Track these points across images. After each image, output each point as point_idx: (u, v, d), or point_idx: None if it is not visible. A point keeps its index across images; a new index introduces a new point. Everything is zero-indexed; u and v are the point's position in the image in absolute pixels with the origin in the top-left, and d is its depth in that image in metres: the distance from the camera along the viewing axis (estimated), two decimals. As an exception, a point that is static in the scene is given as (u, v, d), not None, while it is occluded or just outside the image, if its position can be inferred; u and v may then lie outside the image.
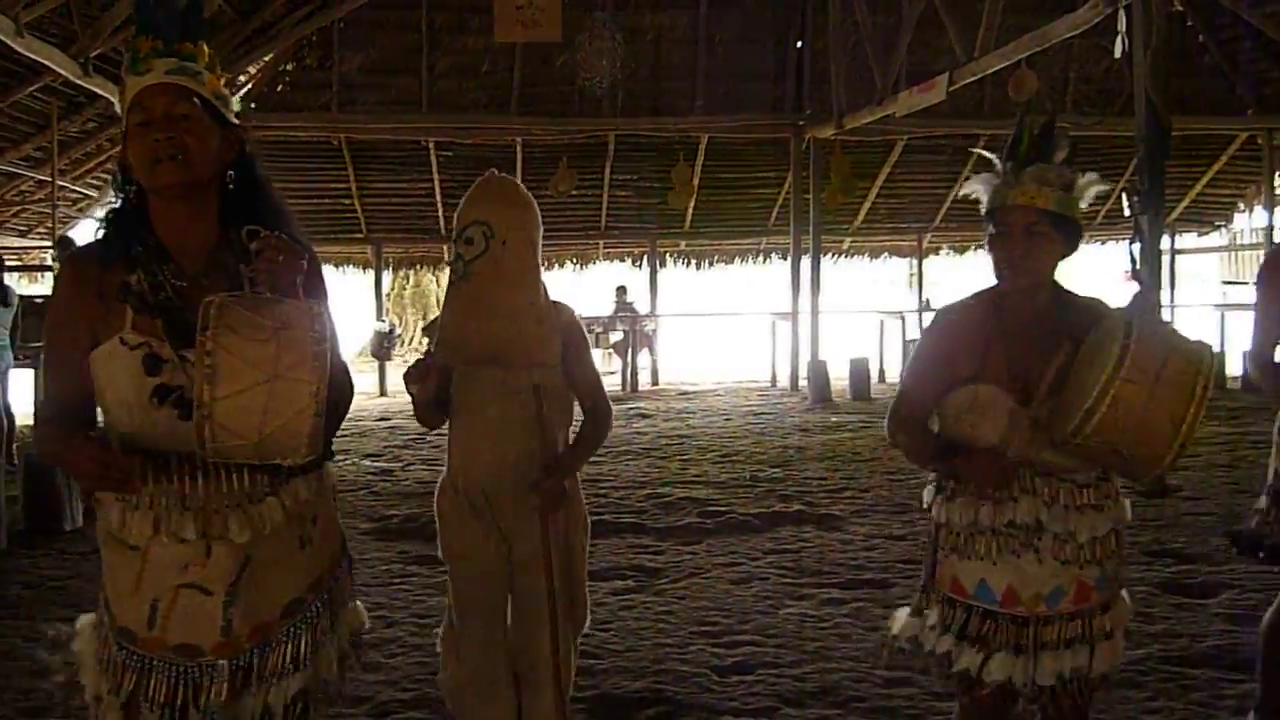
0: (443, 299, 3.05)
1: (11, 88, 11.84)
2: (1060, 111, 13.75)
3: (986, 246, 2.59)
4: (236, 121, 2.21)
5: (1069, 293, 2.64)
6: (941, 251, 18.62)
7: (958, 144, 15.36)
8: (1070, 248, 2.60)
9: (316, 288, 2.15)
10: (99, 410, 2.18)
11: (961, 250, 18.60)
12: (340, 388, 2.13)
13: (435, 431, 3.16)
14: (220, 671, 2.10)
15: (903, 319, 16.17)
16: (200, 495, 2.07)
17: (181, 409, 2.02)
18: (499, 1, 12.32)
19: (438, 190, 15.53)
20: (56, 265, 9.89)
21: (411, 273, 20.17)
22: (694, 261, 18.17)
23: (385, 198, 15.92)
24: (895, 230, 17.65)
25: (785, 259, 16.00)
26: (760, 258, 18.10)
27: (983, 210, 2.60)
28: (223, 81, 2.20)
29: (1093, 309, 2.59)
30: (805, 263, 14.67)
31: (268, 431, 1.90)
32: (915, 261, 18.30)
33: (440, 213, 15.83)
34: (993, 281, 2.64)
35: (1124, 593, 2.71)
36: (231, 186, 2.20)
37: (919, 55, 12.80)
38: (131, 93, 2.10)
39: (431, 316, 3.20)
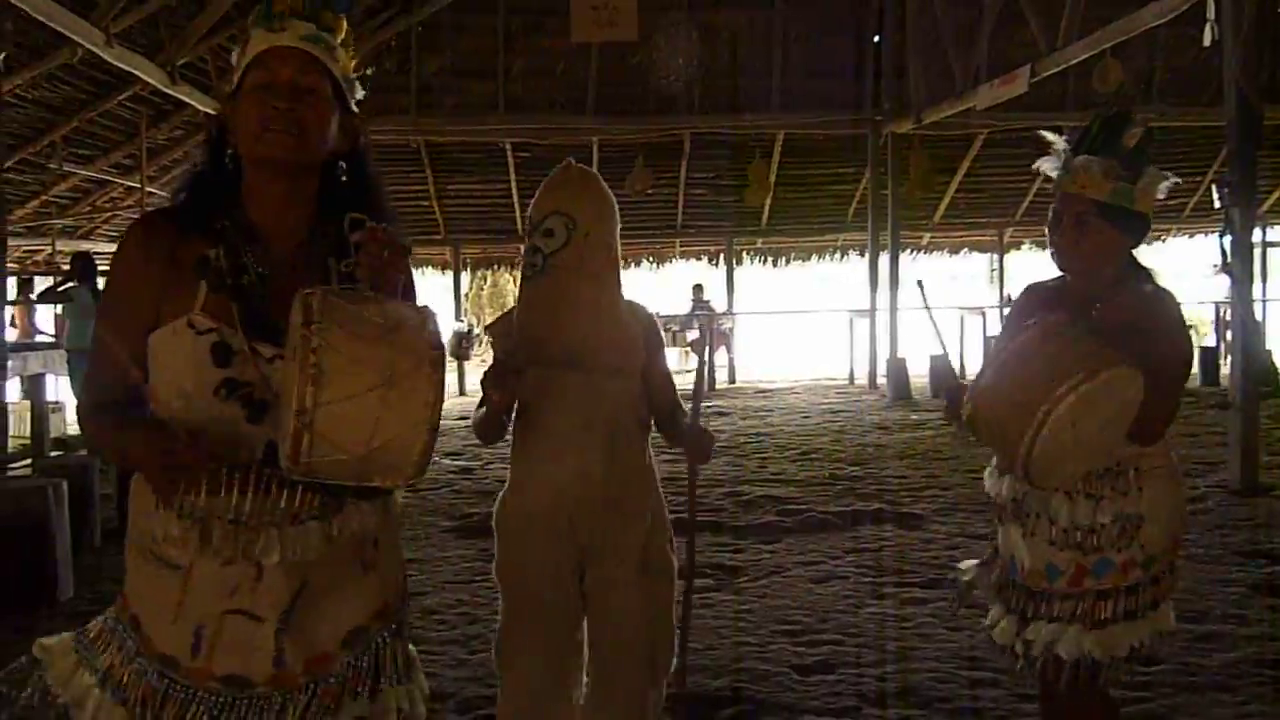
0: (517, 295, 2.78)
1: (101, 97, 12.17)
2: (1147, 102, 13.49)
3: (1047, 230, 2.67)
4: (356, 110, 2.01)
5: (1135, 288, 2.60)
6: (1024, 246, 18.33)
7: (1040, 137, 15.09)
8: (1132, 240, 2.60)
9: (411, 295, 1.92)
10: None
11: (1044, 245, 18.23)
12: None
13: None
14: (272, 705, 1.86)
15: (983, 315, 15.93)
16: (247, 511, 1.82)
17: (250, 409, 1.80)
18: (575, 2, 12.36)
19: (515, 191, 15.66)
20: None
21: (489, 273, 20.37)
22: (771, 259, 18.10)
23: (463, 199, 16.09)
24: (975, 225, 17.42)
25: (863, 255, 15.87)
26: (837, 254, 17.98)
27: None
28: (354, 64, 2.00)
29: (1137, 296, 2.58)
30: (883, 259, 14.53)
31: (375, 446, 1.63)
32: (996, 257, 18.04)
33: (517, 213, 15.97)
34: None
35: (1164, 605, 2.65)
36: (343, 179, 1.98)
37: (999, 47, 12.59)
38: (257, 48, 1.87)
39: (497, 314, 2.92)
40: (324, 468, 1.65)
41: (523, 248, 2.74)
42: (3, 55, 6.33)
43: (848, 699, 3.84)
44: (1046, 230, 2.64)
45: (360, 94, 2.01)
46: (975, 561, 2.91)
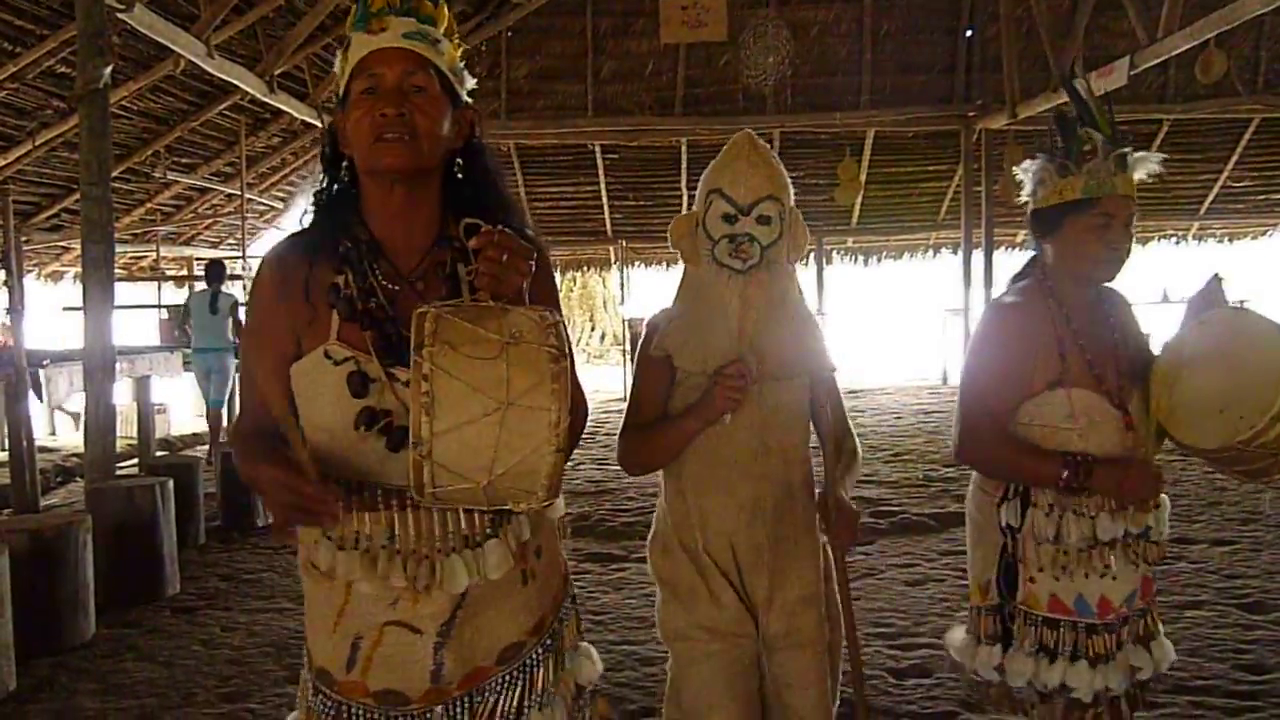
0: (725, 294, 2.35)
1: (203, 107, 12.50)
2: (1252, 94, 13.08)
3: (1067, 238, 2.41)
4: (470, 101, 1.90)
5: (1110, 289, 2.55)
6: (1122, 242, 17.89)
7: (1139, 131, 14.74)
8: None
9: (547, 292, 1.83)
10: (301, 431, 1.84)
11: (1144, 242, 17.85)
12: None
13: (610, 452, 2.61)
14: None
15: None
16: (412, 537, 1.74)
17: (389, 438, 1.72)
18: (664, 3, 12.38)
19: (604, 193, 15.73)
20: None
21: (579, 275, 20.49)
22: (862, 258, 17.93)
23: (553, 201, 16.20)
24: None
25: (956, 253, 15.63)
26: (930, 253, 17.75)
27: (1051, 200, 2.44)
28: (460, 53, 1.89)
29: (1113, 293, 2.53)
30: (977, 257, 14.29)
31: (499, 472, 1.53)
32: (1094, 253, 17.62)
33: (606, 215, 16.05)
34: (1013, 273, 2.57)
35: None
36: (459, 175, 1.89)
37: (1096, 38, 12.34)
38: (358, 54, 1.78)
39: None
40: (452, 496, 1.58)
41: (712, 234, 2.35)
42: (109, 68, 6.52)
43: (945, 704, 3.79)
44: (1081, 238, 2.39)
45: (472, 83, 1.91)
46: (965, 636, 2.60)
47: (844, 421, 2.51)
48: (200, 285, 11.10)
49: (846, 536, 2.34)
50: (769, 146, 2.40)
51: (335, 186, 1.88)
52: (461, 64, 1.89)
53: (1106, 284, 2.49)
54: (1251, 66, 13.69)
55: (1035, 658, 2.42)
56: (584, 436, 2.11)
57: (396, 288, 1.79)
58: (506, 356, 1.54)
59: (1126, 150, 2.39)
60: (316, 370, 1.75)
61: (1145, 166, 2.41)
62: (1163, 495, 2.44)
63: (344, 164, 1.86)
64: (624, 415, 2.44)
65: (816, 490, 2.42)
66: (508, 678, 1.85)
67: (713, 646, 2.35)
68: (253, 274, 1.86)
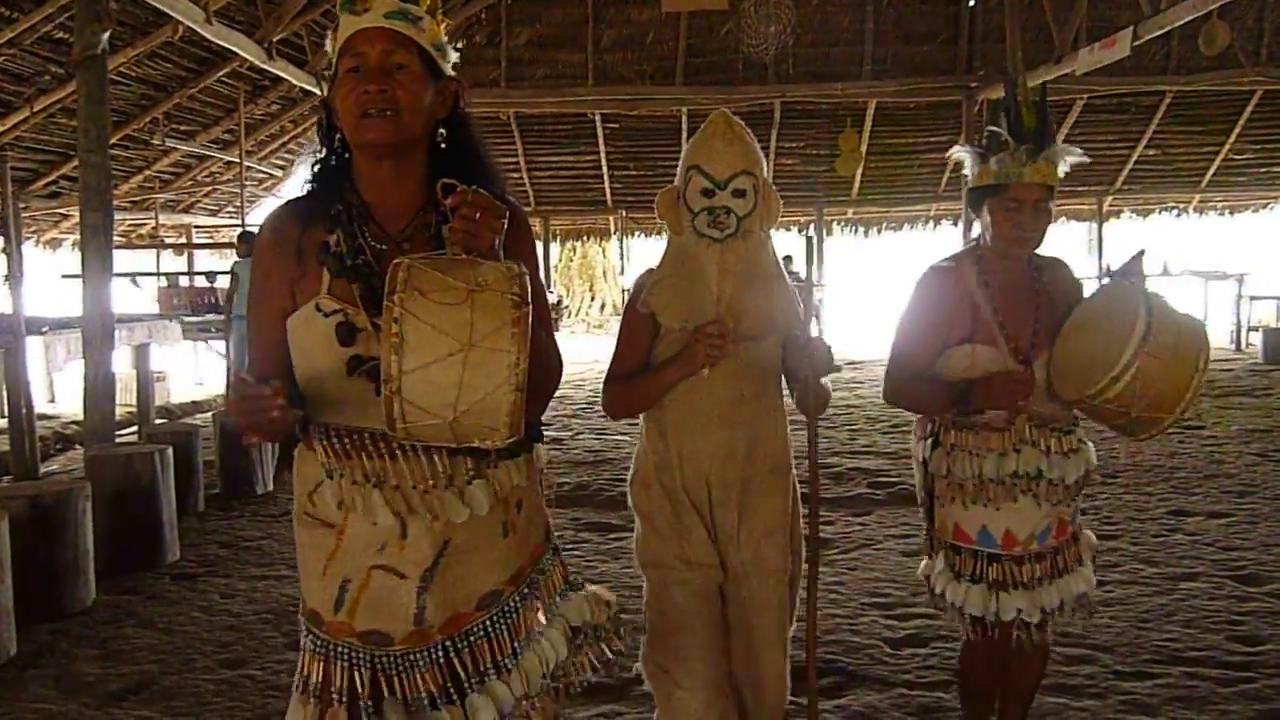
0: (705, 260, 2.55)
1: (201, 74, 12.45)
2: (1255, 65, 13.03)
3: (987, 217, 2.74)
4: (453, 74, 2.03)
5: (1055, 260, 2.89)
6: (1123, 215, 17.88)
7: (1141, 102, 14.71)
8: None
9: (524, 251, 1.96)
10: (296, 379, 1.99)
11: (1145, 214, 17.83)
12: (545, 363, 1.92)
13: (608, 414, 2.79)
14: (416, 662, 1.91)
15: (1082, 285, 15.58)
16: (396, 474, 1.89)
17: (376, 381, 1.78)
18: (664, -28, 12.31)
19: (604, 162, 15.70)
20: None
21: (578, 244, 20.49)
22: (862, 229, 17.90)
23: (553, 171, 16.17)
24: (1074, 193, 17.01)
25: (956, 225, 15.61)
26: (930, 224, 17.72)
27: (974, 182, 2.77)
28: (443, 28, 2.01)
29: (1058, 266, 2.87)
30: (977, 229, 14.26)
31: (462, 409, 1.67)
32: (1095, 226, 17.61)
33: (606, 184, 16.02)
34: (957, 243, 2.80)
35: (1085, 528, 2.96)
36: (443, 145, 2.00)
37: (1100, 9, 12.29)
38: (345, 34, 1.90)
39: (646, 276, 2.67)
40: (421, 432, 1.72)
41: (692, 207, 2.55)
42: (107, 34, 6.49)
43: (941, 673, 3.81)
44: (992, 218, 2.72)
45: (454, 57, 2.03)
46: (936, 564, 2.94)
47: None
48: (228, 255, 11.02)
49: (822, 362, 2.54)
50: (743, 124, 2.59)
51: (330, 157, 2.01)
52: (445, 39, 2.01)
53: (1043, 254, 2.83)
54: (1255, 38, 13.63)
55: (945, 574, 2.85)
56: (583, 407, 2.17)
57: (384, 247, 1.93)
58: (471, 303, 1.67)
59: (1036, 147, 2.67)
60: (309, 322, 1.90)
61: (1063, 157, 2.70)
62: (1086, 442, 2.82)
63: (337, 136, 1.99)
64: (609, 365, 2.70)
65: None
66: (488, 624, 1.99)
67: (684, 574, 2.60)
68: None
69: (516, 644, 2.02)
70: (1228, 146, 15.75)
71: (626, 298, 2.69)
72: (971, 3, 13.98)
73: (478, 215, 1.78)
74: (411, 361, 1.65)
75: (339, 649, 1.91)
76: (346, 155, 2.00)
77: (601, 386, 2.71)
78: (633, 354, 2.64)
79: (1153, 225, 17.78)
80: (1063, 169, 2.72)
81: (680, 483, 2.61)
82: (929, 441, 2.87)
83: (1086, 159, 2.80)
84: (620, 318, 2.74)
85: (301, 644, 1.98)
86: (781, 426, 2.68)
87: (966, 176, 2.82)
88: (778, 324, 2.59)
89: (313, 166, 2.03)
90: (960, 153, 2.84)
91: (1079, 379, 2.61)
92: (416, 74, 1.91)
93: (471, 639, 1.97)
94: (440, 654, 1.94)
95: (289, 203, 2.02)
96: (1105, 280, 2.77)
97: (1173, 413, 2.56)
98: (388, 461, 1.89)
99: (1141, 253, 2.75)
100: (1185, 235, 18.53)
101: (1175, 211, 17.61)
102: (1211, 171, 16.30)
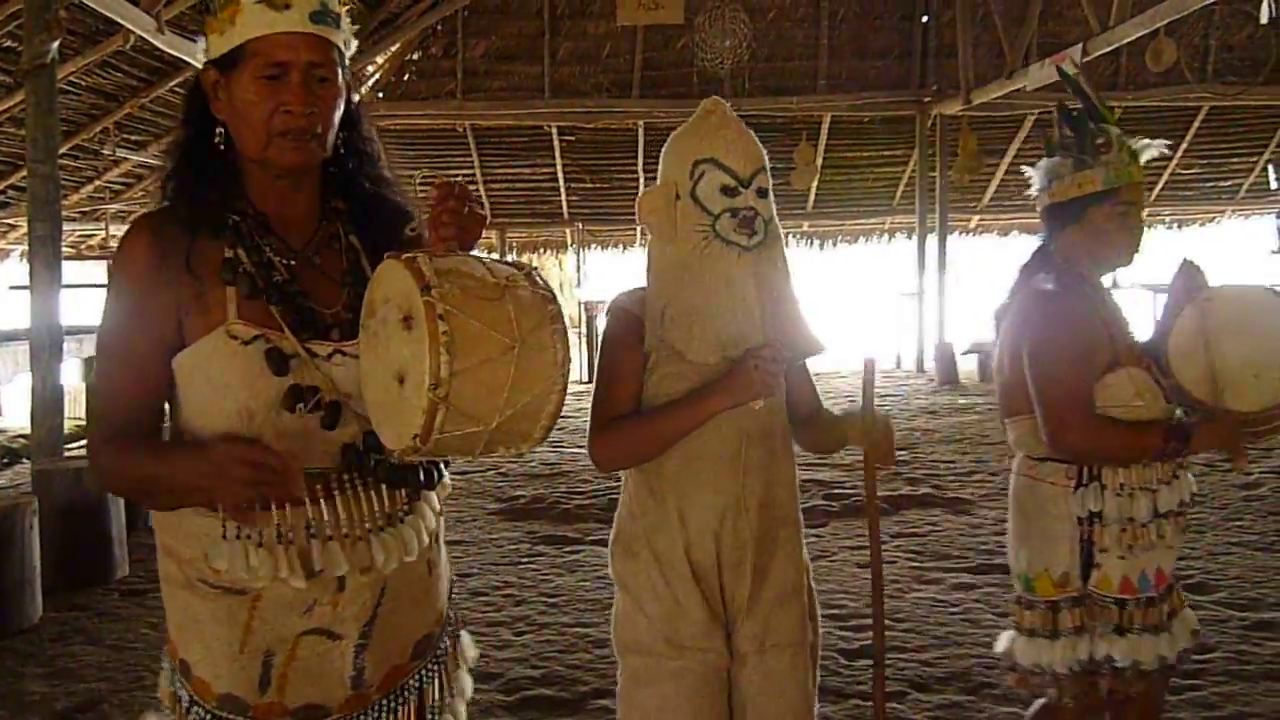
0: (736, 273, 2.13)
1: (153, 83, 12.31)
2: (1201, 81, 13.25)
3: (1086, 230, 2.49)
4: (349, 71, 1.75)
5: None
6: (1074, 228, 18.11)
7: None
8: None
9: None
10: (171, 429, 1.70)
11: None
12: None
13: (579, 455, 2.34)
14: None
15: (1033, 298, 15.75)
16: (342, 519, 1.63)
17: (326, 414, 1.61)
18: (620, -15, 12.34)
19: (560, 175, 15.67)
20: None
21: (535, 257, 20.40)
22: (817, 242, 18.00)
23: (509, 183, 16.12)
24: (1026, 207, 17.18)
25: (911, 238, 15.75)
26: (885, 237, 17.85)
27: (1071, 192, 2.51)
28: (345, 10, 1.72)
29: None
30: (931, 242, 14.41)
31: (509, 413, 1.49)
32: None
33: (563, 197, 16.00)
34: (1022, 264, 2.66)
35: None
36: (341, 149, 1.75)
37: (1050, 26, 12.46)
38: (259, 28, 1.59)
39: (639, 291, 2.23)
40: (452, 443, 1.49)
41: (710, 208, 2.13)
42: (57, 43, 6.41)
43: (895, 684, 3.84)
44: (1106, 227, 2.47)
45: (354, 46, 1.76)
46: (1014, 636, 2.72)
47: (818, 397, 2.45)
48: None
49: (883, 448, 2.25)
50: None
51: (206, 155, 1.70)
52: (353, 28, 1.75)
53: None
54: (1201, 55, 13.87)
55: (1113, 638, 2.50)
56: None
57: (292, 262, 1.68)
58: (510, 298, 1.51)
59: (1136, 140, 2.49)
60: (219, 352, 1.59)
61: (1151, 153, 2.52)
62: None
63: (219, 130, 1.69)
64: (596, 407, 2.20)
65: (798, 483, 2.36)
66: (425, 672, 1.80)
67: (675, 663, 2.15)
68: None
69: (451, 691, 1.85)
70: (1175, 161, 15.99)
71: (584, 314, 2.27)
72: (925, 19, 14.13)
73: (465, 209, 1.56)
74: (463, 362, 1.44)
75: None
76: (222, 150, 1.70)
77: (589, 437, 2.21)
78: (627, 395, 2.17)
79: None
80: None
81: (683, 548, 2.16)
82: (1095, 486, 2.49)
83: (1165, 149, 2.58)
84: (577, 333, 2.39)
85: None
86: (792, 471, 2.29)
87: (1043, 191, 2.58)
88: (808, 346, 2.24)
89: (184, 164, 1.70)
90: (1045, 164, 2.58)
91: (1259, 388, 2.43)
92: (337, 87, 1.66)
93: (407, 692, 1.76)
94: (378, 713, 1.72)
95: (166, 210, 1.67)
96: (1170, 292, 2.56)
97: None
98: (324, 508, 1.62)
99: (1190, 262, 2.58)
100: (1026, 256, 18.77)
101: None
102: (1160, 185, 16.53)
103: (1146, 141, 2.52)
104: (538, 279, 1.56)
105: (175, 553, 1.67)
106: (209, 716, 1.65)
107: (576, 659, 4.19)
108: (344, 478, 1.64)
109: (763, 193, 2.16)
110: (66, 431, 6.31)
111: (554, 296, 1.55)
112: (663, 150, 2.26)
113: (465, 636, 1.95)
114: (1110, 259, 2.52)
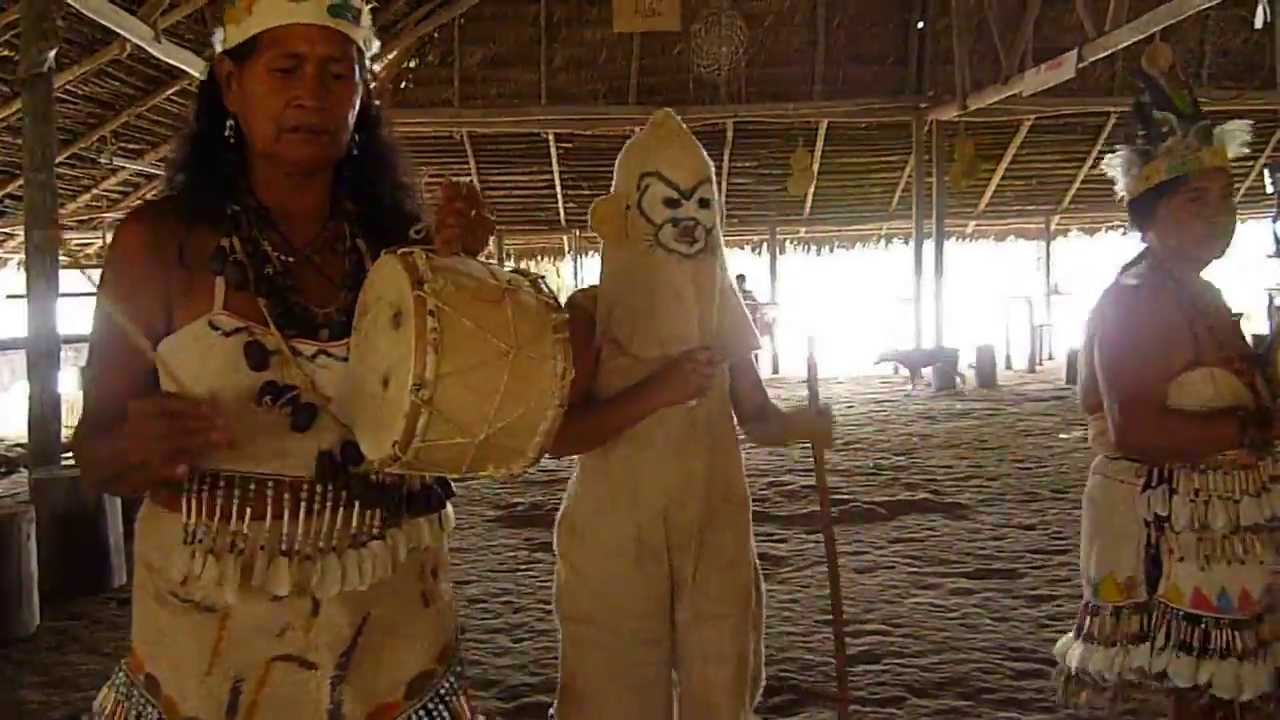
0: (676, 279, 2.23)
1: (150, 92, 12.32)
2: (1197, 86, 13.28)
3: (1165, 223, 2.40)
4: (372, 69, 1.71)
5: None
6: (1070, 233, 18.14)
7: (1087, 123, 14.95)
8: None
9: None
10: None
11: (1091, 232, 18.09)
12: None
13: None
14: None
15: (1029, 304, 15.78)
16: (299, 536, 1.53)
17: (297, 415, 1.53)
18: (617, -9, 12.37)
19: (557, 181, 15.71)
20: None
21: (532, 264, 20.43)
22: (814, 248, 18.03)
23: (506, 190, 16.15)
24: (1022, 213, 17.25)
25: (908, 244, 15.77)
26: (882, 243, 17.88)
27: (1139, 187, 2.44)
28: (367, 7, 1.66)
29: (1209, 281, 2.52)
30: (928, 247, 14.43)
31: (499, 425, 1.38)
32: (1043, 244, 17.86)
33: (560, 203, 16.03)
34: (1124, 263, 2.55)
35: None
36: (355, 151, 1.69)
37: (1046, 32, 12.48)
38: (274, 19, 1.54)
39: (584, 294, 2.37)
40: (434, 455, 1.40)
41: (653, 218, 2.22)
42: (54, 52, 6.41)
43: (893, 689, 3.83)
44: (1178, 219, 2.38)
45: (376, 46, 1.70)
46: (1074, 640, 2.57)
47: (765, 391, 2.58)
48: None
49: (826, 435, 2.52)
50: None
51: (214, 147, 1.65)
52: (372, 28, 1.68)
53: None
54: (1196, 60, 13.91)
55: (1177, 654, 2.34)
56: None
57: (290, 259, 1.61)
58: (510, 302, 1.42)
59: (1207, 123, 2.37)
60: (199, 342, 1.53)
61: (1235, 137, 2.40)
62: None
63: (229, 122, 1.64)
64: None
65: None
66: (422, 713, 1.66)
67: (615, 634, 2.26)
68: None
69: None
70: (1170, 165, 16.01)
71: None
72: (920, 25, 14.16)
73: (474, 212, 1.48)
74: (450, 364, 1.34)
75: None
76: (233, 143, 1.65)
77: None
78: (580, 384, 2.16)
79: (1099, 243, 18.03)
80: (1233, 150, 2.41)
81: (634, 527, 2.26)
82: (1163, 489, 2.37)
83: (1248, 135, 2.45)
84: None
85: None
86: (737, 453, 2.41)
87: (1122, 189, 2.52)
88: (745, 345, 2.40)
89: (191, 155, 1.64)
90: (1115, 159, 2.52)
91: None
92: (352, 85, 1.61)
93: None
94: None
95: (164, 200, 1.63)
96: None
97: None
98: (287, 520, 1.53)
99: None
100: (1130, 253, 18.82)
101: (1122, 230, 17.86)
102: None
103: (1233, 125, 2.41)
104: (543, 286, 1.48)
105: (148, 561, 1.61)
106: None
107: None
108: (315, 489, 1.55)
109: (704, 203, 2.24)
110: (64, 440, 6.30)
111: (559, 305, 1.46)
112: (617, 160, 2.36)
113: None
114: (1193, 251, 2.40)
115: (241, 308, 1.54)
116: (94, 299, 1.60)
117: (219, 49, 1.63)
